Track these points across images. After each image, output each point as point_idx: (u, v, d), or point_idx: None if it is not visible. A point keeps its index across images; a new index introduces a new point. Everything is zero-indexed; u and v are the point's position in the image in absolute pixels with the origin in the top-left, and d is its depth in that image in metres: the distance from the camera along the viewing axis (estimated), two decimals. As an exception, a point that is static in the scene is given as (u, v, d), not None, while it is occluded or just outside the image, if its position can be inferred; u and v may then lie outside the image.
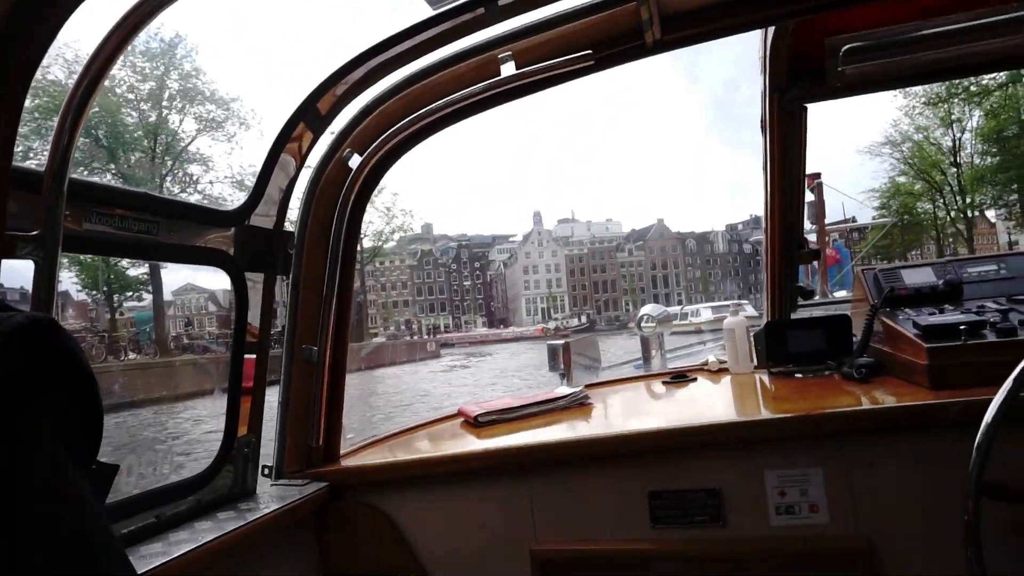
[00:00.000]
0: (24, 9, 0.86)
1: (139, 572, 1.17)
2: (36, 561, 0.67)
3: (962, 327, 1.58)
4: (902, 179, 39.01)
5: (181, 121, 26.56)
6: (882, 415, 1.51)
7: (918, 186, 38.84)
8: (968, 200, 36.63)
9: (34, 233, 1.01)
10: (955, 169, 36.44)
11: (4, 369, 0.69)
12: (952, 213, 37.71)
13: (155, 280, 26.07)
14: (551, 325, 76.19)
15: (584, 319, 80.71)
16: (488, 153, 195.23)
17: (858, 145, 76.27)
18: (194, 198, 24.28)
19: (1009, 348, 1.51)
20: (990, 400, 1.13)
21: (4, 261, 0.96)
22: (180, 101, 26.42)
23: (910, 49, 1.83)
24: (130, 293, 27.01)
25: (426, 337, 55.37)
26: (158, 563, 1.23)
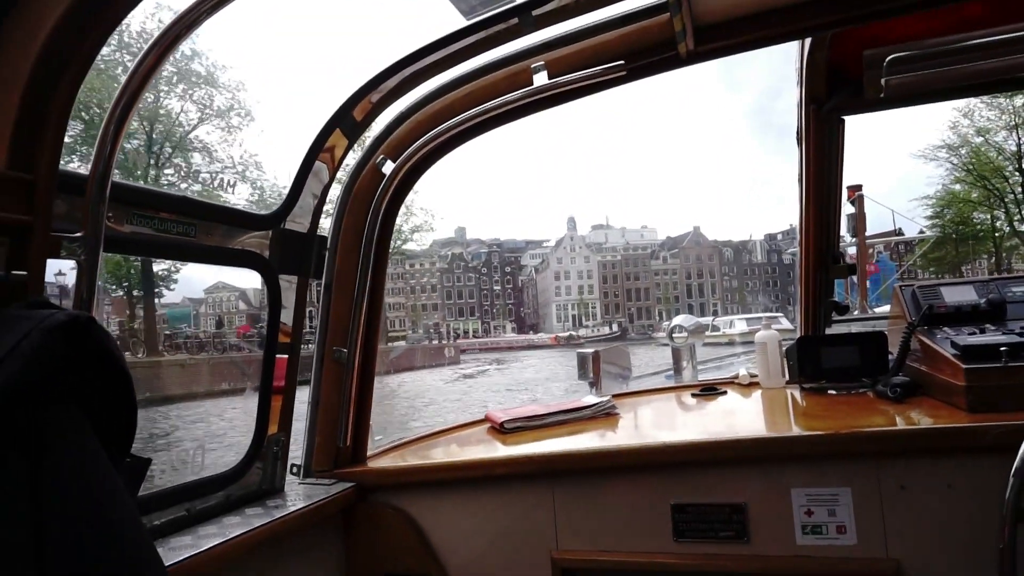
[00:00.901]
0: (69, 27, 0.93)
1: (168, 564, 1.23)
2: (67, 541, 0.72)
3: (1003, 348, 1.54)
4: (957, 187, 36.64)
5: (182, 109, 25.69)
6: (916, 436, 1.50)
7: (975, 194, 36.14)
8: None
9: (78, 234, 1.07)
10: (1019, 175, 33.81)
11: (44, 365, 0.75)
12: (1014, 224, 35.22)
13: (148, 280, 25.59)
14: (564, 334, 76.45)
15: (615, 327, 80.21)
16: (525, 158, 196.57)
17: (913, 148, 73.06)
18: (195, 188, 24.40)
19: None
20: None
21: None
22: (181, 84, 25.40)
23: (951, 60, 1.81)
24: (155, 289, 26.85)
25: (444, 342, 55.56)
26: (187, 555, 1.29)
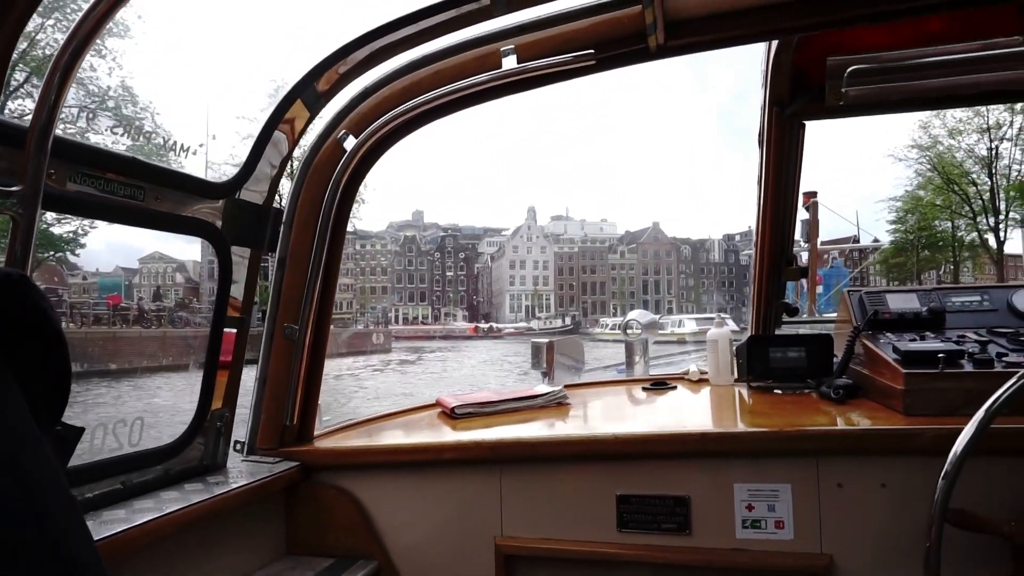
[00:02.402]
0: None
1: (98, 538, 1.22)
2: None
3: (940, 355, 1.64)
4: (922, 192, 36.09)
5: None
6: (855, 436, 1.59)
7: (940, 200, 35.51)
8: (1002, 216, 33.30)
9: (15, 188, 1.04)
10: (989, 180, 33.34)
11: None
12: (976, 232, 34.68)
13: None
14: (484, 325, 77.82)
15: (568, 320, 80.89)
16: (488, 144, 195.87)
17: (888, 148, 70.82)
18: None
19: (985, 379, 1.57)
20: (961, 430, 1.20)
21: None
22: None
23: (912, 75, 1.91)
24: (52, 252, 24.83)
25: (372, 328, 54.79)
26: (119, 529, 1.28)
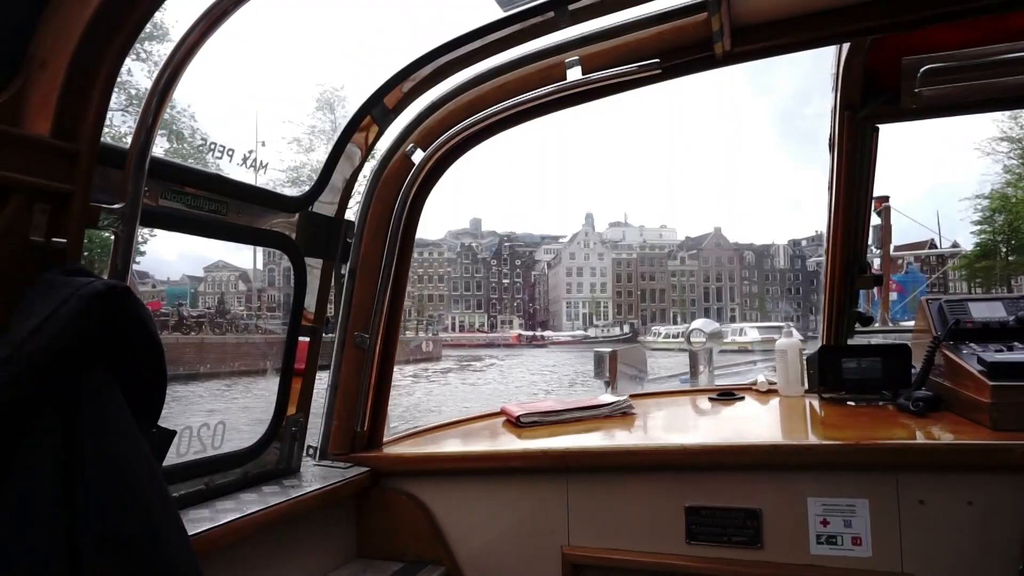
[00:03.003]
0: (114, 2, 0.97)
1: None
2: (94, 500, 0.79)
3: None
4: (1010, 190, 33.38)
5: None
6: (937, 451, 1.55)
7: None
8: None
9: (117, 206, 1.11)
10: None
11: (81, 330, 0.82)
12: None
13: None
14: (527, 333, 78.62)
15: (627, 328, 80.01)
16: (545, 151, 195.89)
17: (974, 141, 64.59)
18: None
19: None
20: None
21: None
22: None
23: (992, 72, 1.84)
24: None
25: (422, 336, 55.34)
26: (205, 528, 1.36)
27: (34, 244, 0.94)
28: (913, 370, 2.03)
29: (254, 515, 1.48)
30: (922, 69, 1.87)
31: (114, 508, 0.80)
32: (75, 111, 0.97)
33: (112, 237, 1.13)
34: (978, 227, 35.71)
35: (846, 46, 1.95)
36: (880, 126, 2.17)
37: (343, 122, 1.82)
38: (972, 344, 1.87)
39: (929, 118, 2.10)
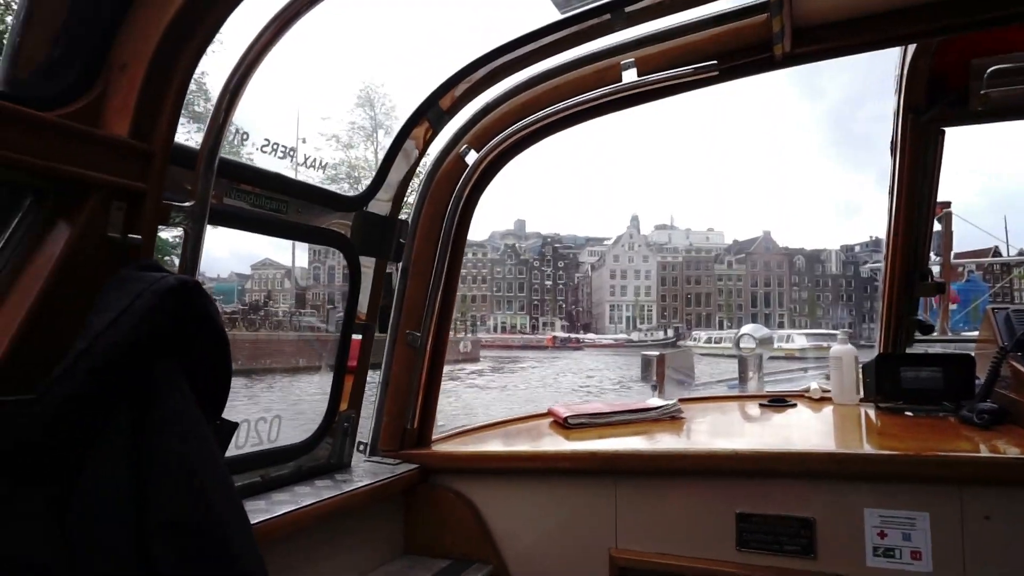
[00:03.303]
0: (192, 7, 1.00)
1: None
2: (163, 490, 0.82)
3: None
4: None
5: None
6: (1007, 466, 1.49)
7: None
8: None
9: (187, 204, 1.15)
10: None
11: (154, 324, 0.86)
12: None
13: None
14: (562, 335, 78.46)
15: (670, 332, 79.01)
16: (592, 153, 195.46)
17: None
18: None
19: None
20: None
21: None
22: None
23: None
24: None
25: (461, 336, 55.80)
26: (262, 519, 1.41)
27: (111, 240, 0.98)
28: (977, 381, 1.97)
29: (308, 508, 1.53)
30: (989, 70, 1.82)
31: (181, 498, 0.83)
32: (151, 113, 1.01)
33: (181, 234, 1.18)
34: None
35: (911, 47, 1.91)
36: (946, 130, 2.10)
37: (382, 118, 1.85)
38: None
39: (996, 121, 2.03)
